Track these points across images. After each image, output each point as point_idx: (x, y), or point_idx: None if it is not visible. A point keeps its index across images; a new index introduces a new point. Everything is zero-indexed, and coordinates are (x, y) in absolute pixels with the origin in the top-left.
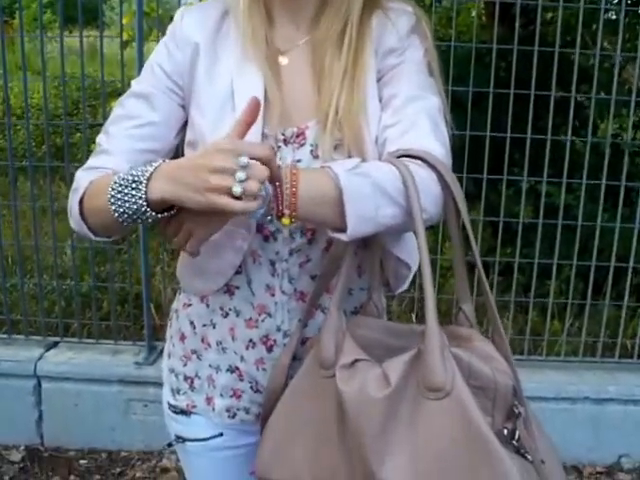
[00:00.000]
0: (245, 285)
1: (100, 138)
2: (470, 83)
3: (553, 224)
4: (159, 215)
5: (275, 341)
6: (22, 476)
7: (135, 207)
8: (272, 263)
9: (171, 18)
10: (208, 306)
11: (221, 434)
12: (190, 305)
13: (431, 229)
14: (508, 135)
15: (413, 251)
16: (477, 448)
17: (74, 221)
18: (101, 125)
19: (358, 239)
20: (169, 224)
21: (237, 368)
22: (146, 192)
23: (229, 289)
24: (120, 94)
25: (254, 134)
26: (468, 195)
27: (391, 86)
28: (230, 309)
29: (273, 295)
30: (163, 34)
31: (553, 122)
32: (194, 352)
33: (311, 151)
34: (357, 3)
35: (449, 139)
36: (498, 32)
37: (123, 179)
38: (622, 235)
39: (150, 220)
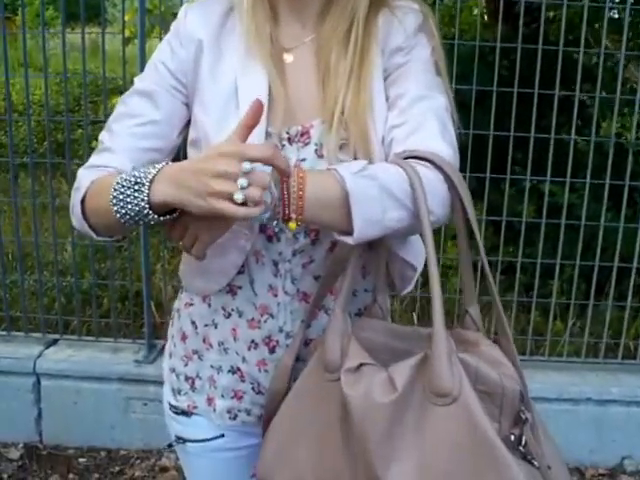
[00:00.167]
0: (248, 285)
1: (102, 135)
2: (474, 82)
3: (556, 224)
4: (161, 218)
5: (277, 342)
6: (21, 474)
7: (137, 209)
8: (275, 263)
9: (174, 15)
10: (210, 306)
11: (222, 435)
12: (192, 305)
13: None
14: (511, 134)
15: (418, 252)
16: (484, 454)
17: (76, 220)
18: (102, 122)
19: (364, 242)
20: (174, 228)
21: (239, 369)
22: (148, 194)
23: (231, 289)
24: (122, 91)
25: (257, 133)
26: (471, 194)
27: (398, 85)
28: (232, 309)
29: (276, 296)
30: (166, 31)
31: (556, 121)
32: (195, 352)
33: (316, 150)
34: (363, 1)
35: (456, 139)
36: (500, 31)
37: (125, 180)
38: (625, 235)
39: (152, 222)
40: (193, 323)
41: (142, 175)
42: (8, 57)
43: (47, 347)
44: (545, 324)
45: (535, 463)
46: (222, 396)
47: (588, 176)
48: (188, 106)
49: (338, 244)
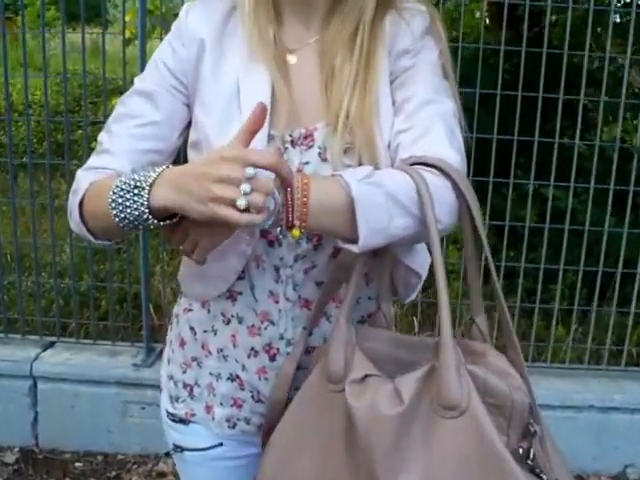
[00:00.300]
0: (248, 291)
1: (102, 136)
2: (477, 85)
3: (559, 228)
4: (161, 222)
5: (278, 350)
6: (16, 478)
7: (137, 213)
8: (276, 269)
9: (175, 16)
10: (209, 312)
11: (221, 444)
12: (191, 310)
13: None
14: (515, 138)
15: (423, 259)
16: (492, 467)
17: (74, 223)
18: (102, 122)
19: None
20: (174, 232)
21: (238, 377)
22: (148, 199)
23: (231, 295)
24: (122, 92)
25: (260, 136)
26: None
27: (404, 89)
28: (232, 315)
29: (277, 302)
30: (167, 32)
31: (560, 125)
32: (194, 359)
33: (319, 154)
34: (370, 3)
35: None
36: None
37: (125, 183)
38: (629, 240)
39: (152, 227)
40: (192, 329)
41: (142, 179)
42: (8, 57)
43: (44, 350)
44: (547, 329)
45: (543, 477)
46: (221, 404)
47: (592, 181)
48: (189, 107)
49: (342, 251)
